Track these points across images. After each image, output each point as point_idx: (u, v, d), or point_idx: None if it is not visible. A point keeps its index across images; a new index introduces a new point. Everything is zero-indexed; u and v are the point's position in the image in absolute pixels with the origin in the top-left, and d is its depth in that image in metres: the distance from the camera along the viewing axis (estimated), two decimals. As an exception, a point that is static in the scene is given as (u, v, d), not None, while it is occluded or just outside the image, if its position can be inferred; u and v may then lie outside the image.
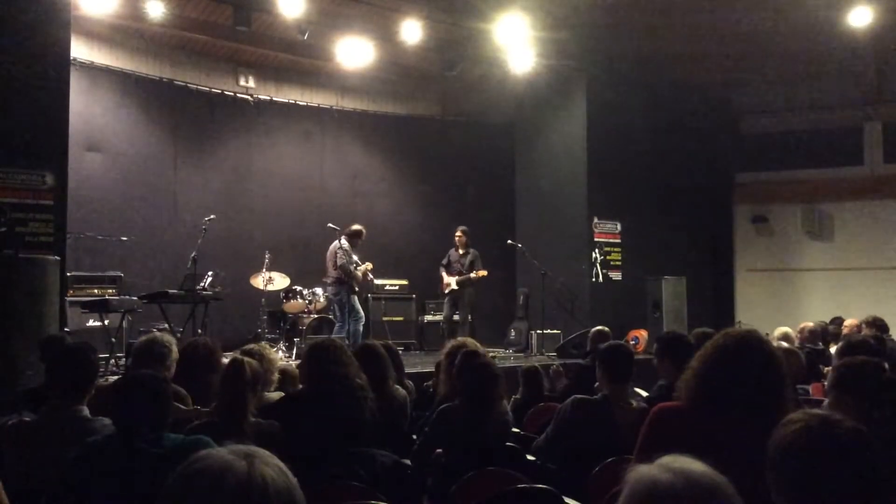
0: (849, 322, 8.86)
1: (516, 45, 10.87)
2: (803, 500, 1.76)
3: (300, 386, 5.21)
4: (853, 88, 13.00)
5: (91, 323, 8.63)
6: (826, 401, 4.38)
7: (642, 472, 1.40)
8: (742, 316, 13.59)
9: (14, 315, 6.62)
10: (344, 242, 9.94)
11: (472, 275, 10.90)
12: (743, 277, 14.33)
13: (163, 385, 3.01)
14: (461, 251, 11.15)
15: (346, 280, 9.85)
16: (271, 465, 1.30)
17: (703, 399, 2.60)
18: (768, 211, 14.15)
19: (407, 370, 6.24)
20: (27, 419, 3.68)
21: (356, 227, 10.19)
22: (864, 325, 8.41)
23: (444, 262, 11.33)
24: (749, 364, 2.57)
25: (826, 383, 3.39)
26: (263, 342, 7.96)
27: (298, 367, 4.48)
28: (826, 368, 6.47)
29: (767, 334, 7.87)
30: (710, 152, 13.43)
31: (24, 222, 7.61)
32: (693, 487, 1.36)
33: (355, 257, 10.07)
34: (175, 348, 4.41)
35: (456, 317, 11.13)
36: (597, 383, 4.43)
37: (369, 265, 10.28)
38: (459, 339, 5.89)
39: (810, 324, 8.30)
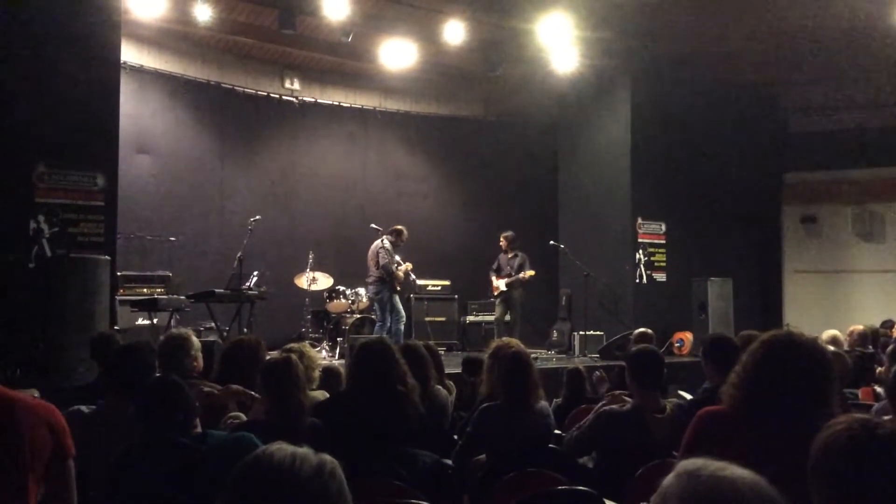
0: (900, 325, 8.67)
1: (559, 44, 10.81)
2: None
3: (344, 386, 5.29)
4: (905, 86, 12.69)
5: (140, 321, 8.81)
6: (876, 405, 4.31)
7: (677, 480, 1.39)
8: (790, 318, 13.34)
9: (66, 313, 6.80)
10: (386, 242, 10.00)
11: (521, 275, 10.90)
12: (791, 279, 14.07)
13: (176, 387, 3.02)
14: (510, 254, 11.18)
15: (387, 280, 9.91)
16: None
17: (747, 404, 2.55)
18: (817, 211, 13.88)
19: (449, 370, 6.26)
20: (84, 409, 3.75)
21: (398, 227, 10.25)
22: (916, 328, 8.22)
23: (494, 266, 11.36)
24: (795, 368, 2.51)
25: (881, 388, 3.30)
26: (306, 341, 8.05)
27: (346, 366, 4.51)
28: (879, 369, 6.34)
29: (816, 337, 7.74)
30: (758, 152, 13.22)
31: (75, 223, 7.81)
32: (730, 494, 1.34)
33: (397, 257, 10.13)
34: (195, 339, 4.49)
35: (508, 318, 11.13)
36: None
37: (409, 265, 10.34)
38: (504, 339, 5.89)
39: (860, 327, 8.11)
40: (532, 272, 10.95)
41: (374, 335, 9.53)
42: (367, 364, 3.77)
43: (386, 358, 3.79)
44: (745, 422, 2.52)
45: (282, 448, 1.39)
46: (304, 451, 1.39)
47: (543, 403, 4.34)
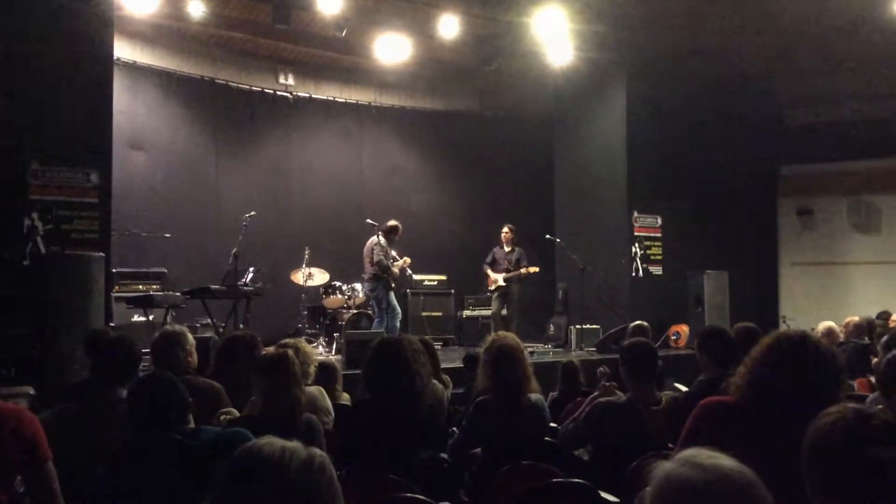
0: (896, 316, 8.67)
1: (554, 38, 10.77)
2: (837, 495, 1.72)
3: (340, 384, 5.30)
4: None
5: (136, 318, 8.79)
6: (871, 396, 4.30)
7: (668, 468, 1.39)
8: (786, 310, 13.35)
9: (60, 311, 6.77)
10: (381, 239, 9.98)
11: (523, 271, 10.85)
12: (787, 271, 14.08)
13: (169, 383, 3.02)
14: (507, 248, 11.11)
15: (382, 276, 9.89)
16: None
17: (754, 397, 2.54)
18: (813, 203, 13.87)
19: (445, 365, 6.25)
20: (73, 407, 3.74)
21: (392, 222, 10.21)
22: (911, 320, 8.22)
23: (489, 259, 11.26)
24: (807, 367, 2.49)
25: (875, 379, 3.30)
26: (302, 337, 8.03)
27: (361, 367, 4.45)
28: (875, 360, 6.34)
29: (812, 329, 7.75)
30: (754, 144, 13.20)
31: (69, 220, 7.78)
32: (723, 483, 1.34)
33: (393, 253, 10.11)
34: (190, 335, 4.48)
35: (504, 312, 11.10)
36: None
37: (407, 259, 10.31)
38: (500, 333, 5.87)
39: (856, 318, 8.12)
40: (536, 269, 10.91)
41: (372, 331, 9.55)
42: (383, 365, 3.74)
43: (402, 356, 3.77)
44: (751, 414, 2.51)
45: (271, 442, 1.39)
46: (294, 444, 1.39)
47: (538, 396, 4.32)
